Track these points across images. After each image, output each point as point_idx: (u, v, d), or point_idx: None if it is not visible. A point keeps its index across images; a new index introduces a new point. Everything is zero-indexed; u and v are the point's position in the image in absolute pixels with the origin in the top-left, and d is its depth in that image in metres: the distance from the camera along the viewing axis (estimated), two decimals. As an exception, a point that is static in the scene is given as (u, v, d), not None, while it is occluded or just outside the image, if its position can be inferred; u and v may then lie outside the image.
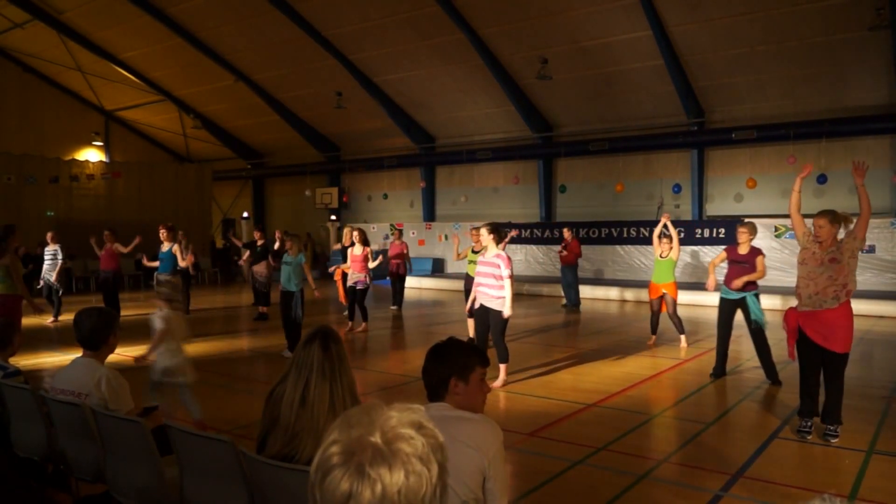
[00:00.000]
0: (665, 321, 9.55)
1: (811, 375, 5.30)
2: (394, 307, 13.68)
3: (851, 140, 15.03)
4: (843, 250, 5.09)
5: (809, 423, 5.35)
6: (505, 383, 7.04)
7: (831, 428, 5.20)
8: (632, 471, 4.61)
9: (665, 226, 9.25)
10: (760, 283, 7.32)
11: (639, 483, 4.39)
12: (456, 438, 2.23)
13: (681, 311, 9.55)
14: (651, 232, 15.70)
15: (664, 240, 9.18)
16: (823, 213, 5.21)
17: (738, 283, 7.05)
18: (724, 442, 5.44)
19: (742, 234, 7.25)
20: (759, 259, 7.17)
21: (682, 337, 9.26)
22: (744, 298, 7.15)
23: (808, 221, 5.31)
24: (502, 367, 7.06)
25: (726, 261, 7.39)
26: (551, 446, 5.19)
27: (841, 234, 5.22)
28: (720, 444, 5.37)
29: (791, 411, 6.04)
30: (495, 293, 6.83)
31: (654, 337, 9.52)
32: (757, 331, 7.12)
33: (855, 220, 5.26)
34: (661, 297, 9.18)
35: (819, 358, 5.24)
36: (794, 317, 5.29)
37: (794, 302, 5.46)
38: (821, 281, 5.09)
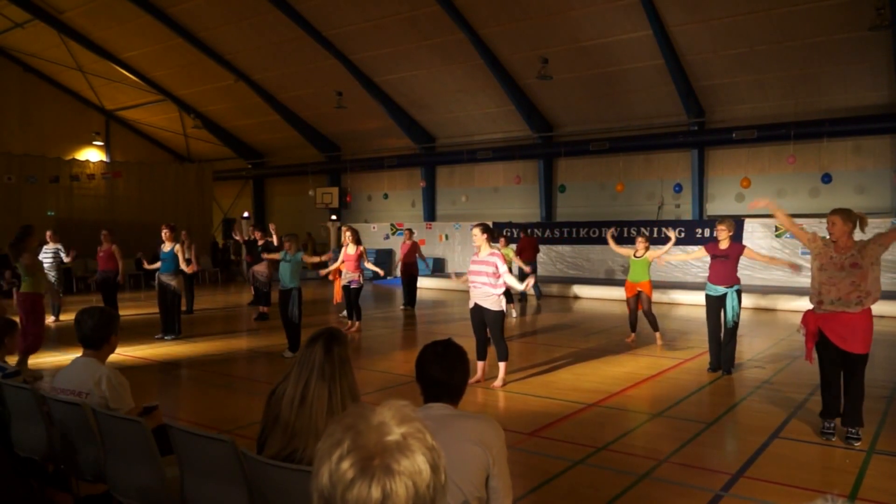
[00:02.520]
0: (641, 318, 9.59)
1: (832, 376, 5.22)
2: (407, 307, 13.65)
3: (852, 140, 15.03)
4: (866, 255, 4.95)
5: (832, 425, 5.29)
6: (504, 382, 7.05)
7: (853, 431, 5.11)
8: (632, 471, 4.61)
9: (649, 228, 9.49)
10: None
11: (639, 483, 4.39)
12: (461, 436, 2.25)
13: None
14: (652, 231, 15.72)
15: (640, 238, 9.39)
16: (837, 212, 5.10)
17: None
18: (724, 442, 5.45)
19: (721, 232, 7.44)
20: (747, 251, 7.46)
21: (657, 334, 9.41)
22: (726, 294, 7.36)
23: (811, 221, 5.24)
24: (502, 365, 7.06)
25: (708, 257, 7.59)
26: (551, 446, 5.19)
27: (858, 235, 5.08)
28: (720, 444, 5.38)
29: (791, 411, 6.06)
30: (491, 291, 6.85)
31: (633, 335, 9.63)
32: (729, 327, 7.39)
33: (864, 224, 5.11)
34: (637, 296, 9.32)
35: (840, 359, 5.16)
36: (813, 319, 5.20)
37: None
38: (843, 286, 4.98)
